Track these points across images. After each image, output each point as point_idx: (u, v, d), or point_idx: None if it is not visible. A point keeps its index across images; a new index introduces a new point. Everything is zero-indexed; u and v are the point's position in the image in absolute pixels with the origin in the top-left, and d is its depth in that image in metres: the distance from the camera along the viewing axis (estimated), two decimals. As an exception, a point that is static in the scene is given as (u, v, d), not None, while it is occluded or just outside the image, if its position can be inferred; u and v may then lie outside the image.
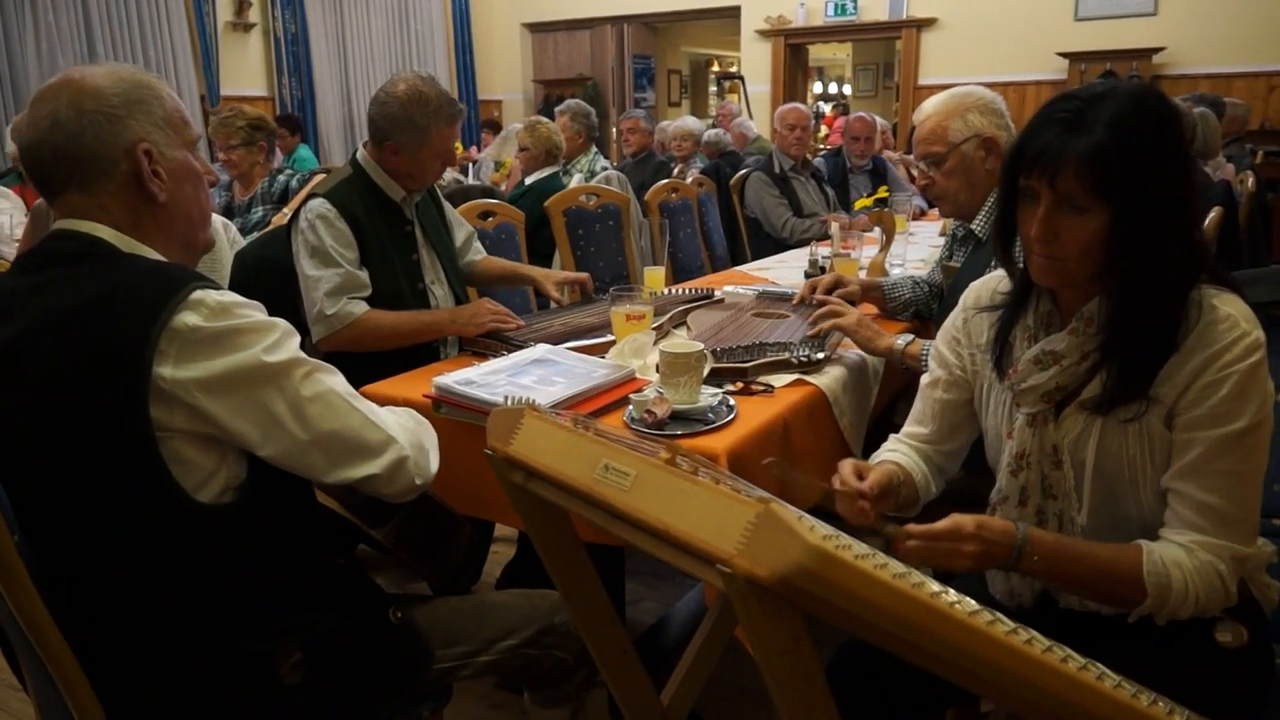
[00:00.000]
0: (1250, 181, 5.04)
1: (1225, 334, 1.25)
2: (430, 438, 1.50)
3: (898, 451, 1.62)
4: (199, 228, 1.42)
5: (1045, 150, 1.27)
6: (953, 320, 1.60)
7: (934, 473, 1.61)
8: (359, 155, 2.52)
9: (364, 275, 2.40)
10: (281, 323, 1.29)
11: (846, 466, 1.40)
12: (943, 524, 1.24)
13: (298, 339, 1.31)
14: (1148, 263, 1.26)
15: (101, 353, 1.18)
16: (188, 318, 1.19)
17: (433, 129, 2.42)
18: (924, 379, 1.65)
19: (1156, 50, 8.48)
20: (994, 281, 1.54)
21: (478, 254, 2.89)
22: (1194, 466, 1.27)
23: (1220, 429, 1.25)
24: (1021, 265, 1.42)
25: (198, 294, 1.21)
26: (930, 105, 2.29)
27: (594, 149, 5.44)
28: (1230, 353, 1.25)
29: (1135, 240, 1.25)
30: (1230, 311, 1.27)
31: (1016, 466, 1.42)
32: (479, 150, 8.92)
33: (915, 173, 2.42)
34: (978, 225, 2.28)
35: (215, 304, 1.22)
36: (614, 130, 8.44)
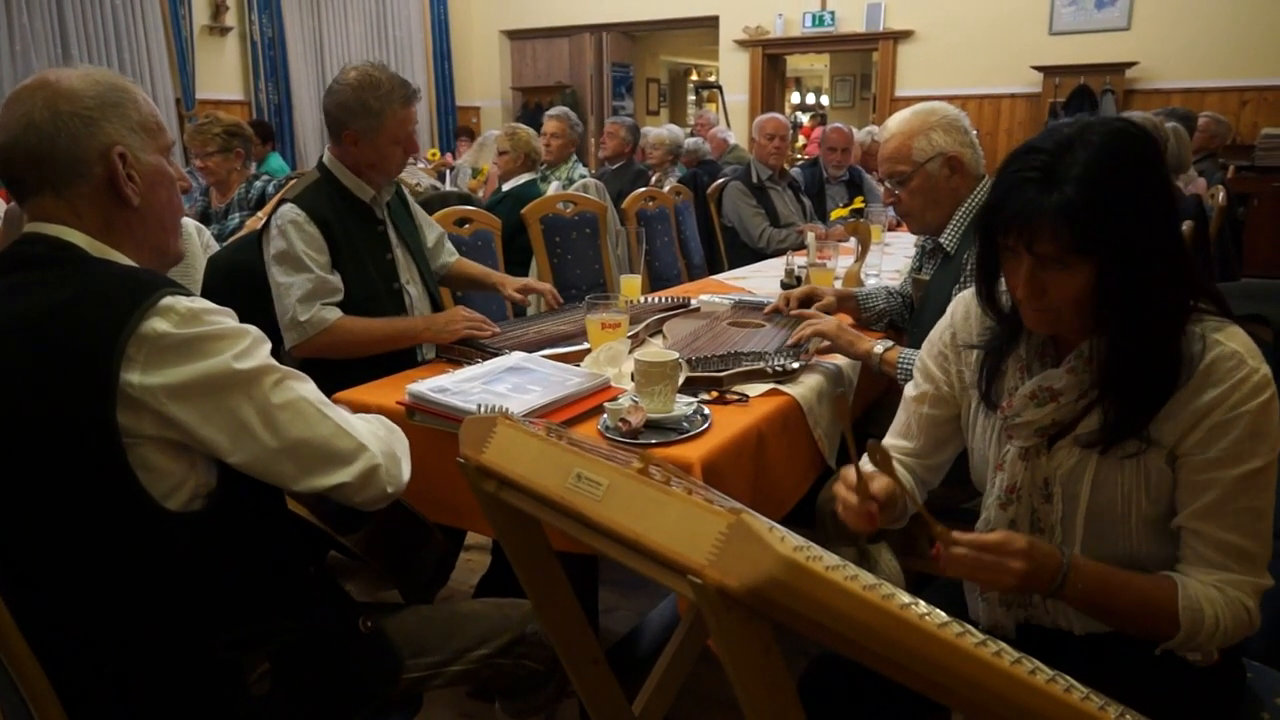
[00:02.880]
0: (1221, 196, 5.10)
1: (1232, 373, 1.24)
2: (402, 445, 1.49)
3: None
4: (171, 233, 1.41)
5: (1019, 213, 1.24)
6: (940, 334, 1.57)
7: (918, 486, 1.59)
8: (325, 158, 2.51)
9: (336, 280, 2.39)
10: (252, 329, 1.28)
11: (851, 473, 1.33)
12: (994, 536, 1.20)
13: (268, 346, 1.30)
14: (1140, 301, 1.24)
15: (69, 358, 1.17)
16: (157, 324, 1.18)
17: (387, 111, 2.40)
18: (908, 391, 1.62)
19: (1129, 65, 8.57)
20: None
21: (451, 255, 2.88)
22: (1214, 507, 1.26)
23: (1238, 469, 1.24)
24: (1009, 309, 1.39)
25: (167, 300, 1.20)
26: (894, 124, 2.29)
27: (574, 157, 5.44)
28: (1239, 392, 1.23)
29: (1125, 284, 1.23)
30: (1235, 348, 1.25)
31: (1006, 500, 1.40)
32: (455, 157, 8.88)
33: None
34: (946, 239, 2.29)
35: (185, 310, 1.21)
36: (593, 140, 8.44)
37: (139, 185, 1.31)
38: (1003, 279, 1.37)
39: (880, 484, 1.33)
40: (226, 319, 1.26)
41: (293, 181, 4.13)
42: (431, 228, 2.84)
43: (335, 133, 2.44)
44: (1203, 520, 1.27)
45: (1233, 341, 1.26)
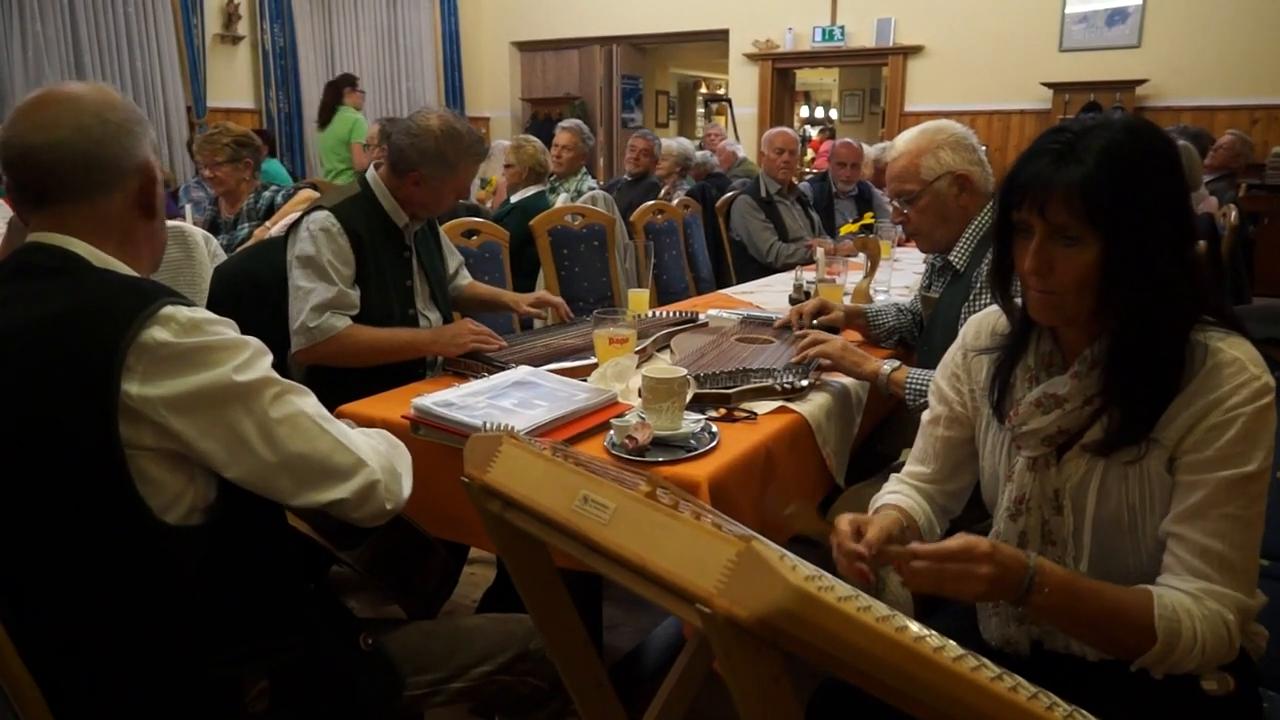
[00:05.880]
0: (1233, 215, 5.08)
1: (1231, 378, 1.23)
2: (404, 462, 1.48)
3: (899, 494, 1.57)
4: (162, 247, 1.45)
5: (1035, 180, 1.26)
6: (952, 356, 1.56)
7: (937, 514, 1.57)
8: (369, 176, 2.52)
9: (355, 295, 2.39)
10: (253, 341, 1.27)
11: (844, 523, 1.29)
12: (954, 543, 1.17)
13: (269, 358, 1.29)
14: (1145, 296, 1.24)
15: (69, 367, 1.16)
16: (157, 333, 1.17)
17: (462, 166, 2.46)
18: (925, 416, 1.61)
19: (1140, 82, 8.56)
20: (993, 318, 1.50)
21: (464, 279, 2.90)
22: (1198, 510, 1.24)
23: (1227, 471, 1.22)
24: (1020, 304, 1.39)
25: (168, 309, 1.19)
26: (902, 142, 2.28)
27: (583, 169, 5.44)
28: (1237, 395, 1.22)
29: (1130, 272, 1.23)
30: (1237, 355, 1.24)
31: (1016, 511, 1.39)
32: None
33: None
34: (955, 257, 2.28)
35: (186, 320, 1.20)
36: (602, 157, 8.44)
37: (158, 199, 1.36)
38: (1016, 283, 1.37)
39: (872, 533, 1.28)
40: (227, 330, 1.25)
41: (304, 191, 4.14)
42: (454, 255, 2.87)
43: (400, 170, 2.45)
44: (1187, 524, 1.25)
45: (1235, 350, 1.25)
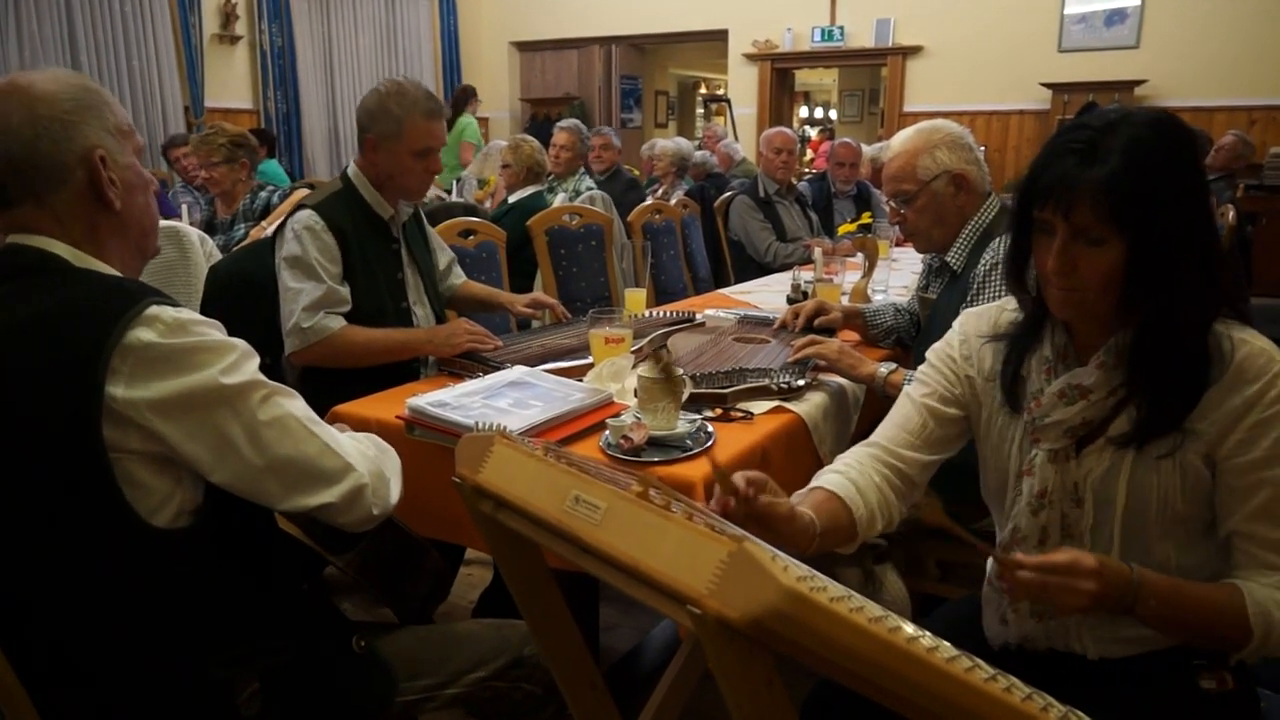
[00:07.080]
0: (1231, 215, 5.07)
1: (1265, 370, 1.23)
2: (393, 466, 1.47)
3: (843, 474, 1.45)
4: (150, 235, 1.38)
5: (1059, 182, 1.24)
6: (946, 342, 1.54)
7: (894, 493, 1.46)
8: (350, 170, 2.51)
9: (345, 291, 2.37)
10: (240, 343, 1.25)
11: (740, 478, 1.22)
12: (1061, 557, 1.17)
13: (256, 360, 1.27)
14: (1169, 293, 1.23)
15: (53, 370, 1.14)
16: (142, 334, 1.15)
17: (407, 120, 2.39)
18: (909, 388, 1.56)
19: (1139, 82, 8.56)
20: (995, 311, 1.49)
21: (457, 278, 2.88)
22: (1267, 508, 1.24)
23: None
24: (1035, 295, 1.38)
25: (153, 310, 1.18)
26: (898, 143, 2.27)
27: (581, 169, 5.43)
28: (1275, 389, 1.22)
29: (1155, 271, 1.22)
30: (1264, 346, 1.25)
31: (1038, 505, 1.37)
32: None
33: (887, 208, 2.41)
34: (953, 257, 2.27)
35: (171, 320, 1.18)
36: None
37: (119, 188, 1.28)
38: (1031, 269, 1.36)
39: (741, 482, 1.22)
40: (214, 331, 1.23)
41: (302, 191, 4.13)
42: (444, 251, 2.85)
43: (360, 140, 2.46)
44: (1256, 522, 1.25)
45: (1259, 340, 1.25)
